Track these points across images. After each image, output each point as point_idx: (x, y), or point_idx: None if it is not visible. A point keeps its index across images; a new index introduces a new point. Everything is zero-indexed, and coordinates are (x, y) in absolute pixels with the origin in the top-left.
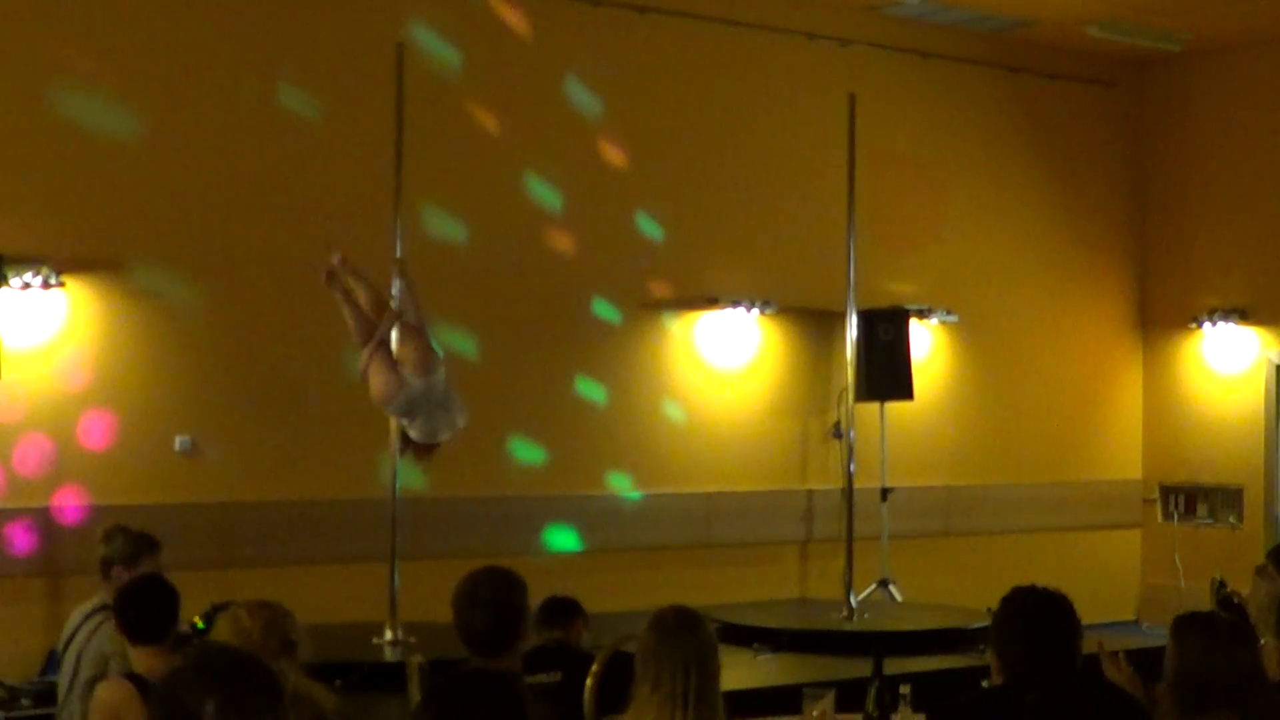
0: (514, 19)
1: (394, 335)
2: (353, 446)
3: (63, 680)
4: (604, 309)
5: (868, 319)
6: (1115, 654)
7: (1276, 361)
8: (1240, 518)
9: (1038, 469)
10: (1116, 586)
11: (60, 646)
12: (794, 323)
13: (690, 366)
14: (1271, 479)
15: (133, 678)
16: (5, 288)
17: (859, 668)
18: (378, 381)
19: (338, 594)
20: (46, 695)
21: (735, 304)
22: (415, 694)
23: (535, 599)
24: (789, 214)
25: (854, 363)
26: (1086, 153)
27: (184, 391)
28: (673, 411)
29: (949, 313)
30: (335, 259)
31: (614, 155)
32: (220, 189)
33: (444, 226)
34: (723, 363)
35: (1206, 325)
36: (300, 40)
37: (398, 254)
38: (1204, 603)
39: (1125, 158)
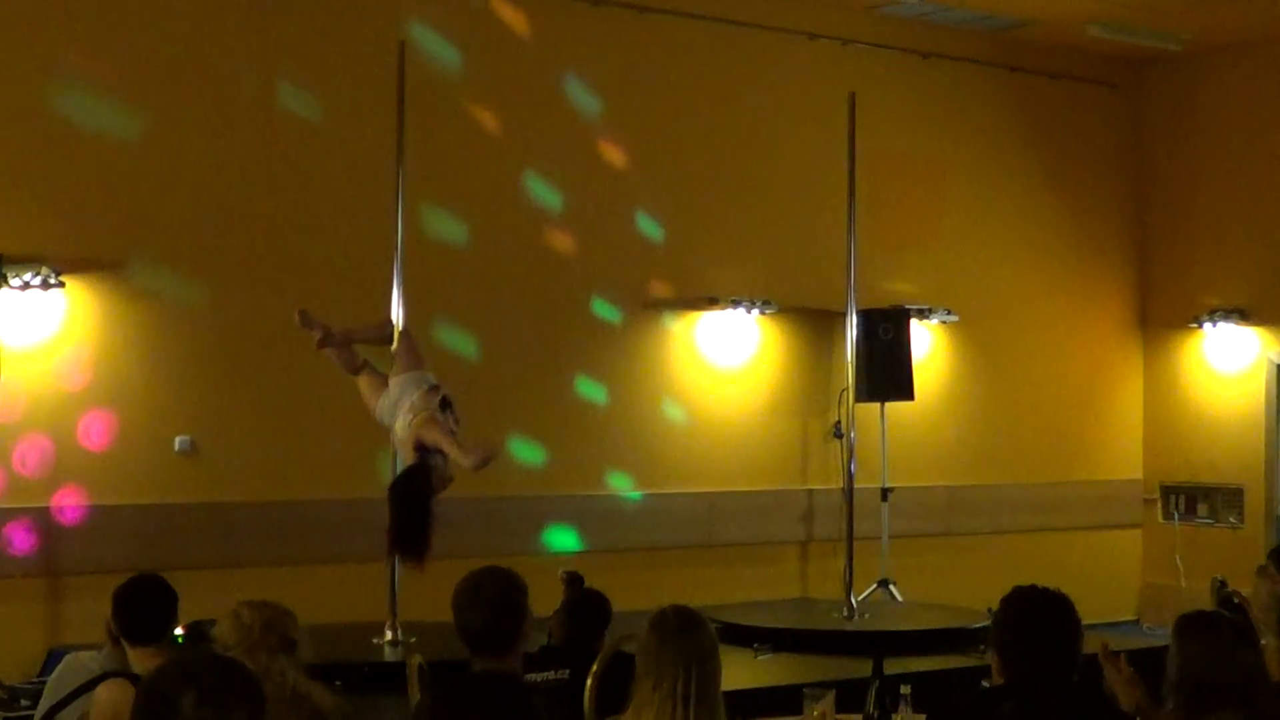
0: (514, 19)
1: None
2: (353, 446)
3: (44, 705)
4: (604, 309)
5: (868, 319)
6: (1116, 655)
7: (1276, 361)
8: (1241, 518)
9: (1038, 469)
10: (1116, 586)
11: (59, 681)
12: (794, 323)
13: (690, 366)
14: (1272, 479)
15: (132, 678)
16: (5, 288)
17: (859, 668)
18: (366, 390)
19: (338, 594)
20: None
21: (735, 304)
22: (415, 694)
23: (535, 599)
24: (789, 214)
25: (854, 363)
26: (1086, 153)
27: (184, 391)
28: (673, 411)
29: (949, 313)
30: (316, 331)
31: (614, 155)
32: (220, 189)
33: (444, 226)
34: (723, 363)
35: (1206, 325)
36: (300, 40)
37: (398, 253)
38: (1205, 603)
39: (1126, 158)
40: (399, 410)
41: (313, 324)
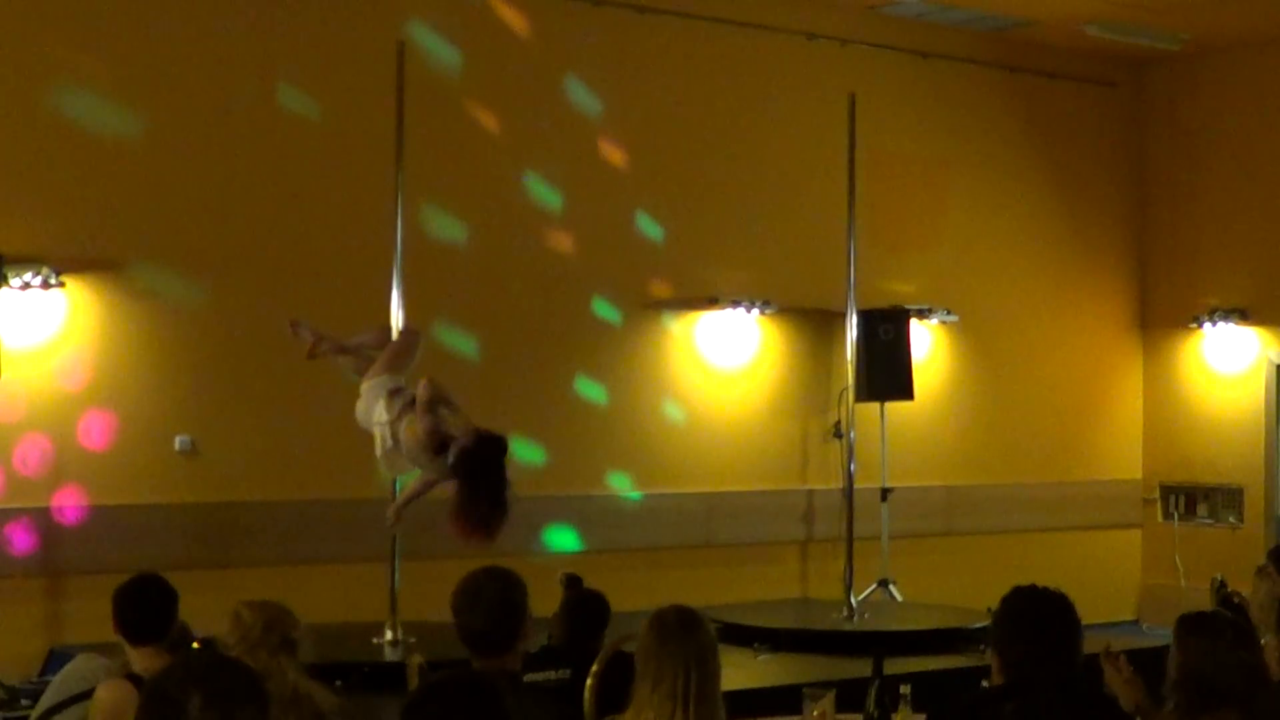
0: (514, 19)
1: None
2: (353, 447)
3: (41, 706)
4: (604, 309)
5: (868, 319)
6: (1116, 655)
7: (1276, 361)
8: (1240, 518)
9: (1038, 469)
10: (1116, 586)
11: (62, 683)
12: (794, 323)
13: (690, 366)
14: (1271, 479)
15: (132, 678)
16: (5, 288)
17: (859, 668)
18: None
19: (338, 594)
20: None
21: (735, 304)
22: None
23: (535, 599)
24: (789, 214)
25: (854, 363)
26: (1086, 153)
27: (184, 391)
28: (673, 411)
29: (949, 313)
30: (307, 338)
31: (614, 155)
32: (220, 189)
33: (444, 226)
34: (723, 363)
35: (1206, 325)
36: (300, 40)
37: (398, 253)
38: (1204, 603)
39: (1125, 158)
40: (373, 424)
41: (304, 333)
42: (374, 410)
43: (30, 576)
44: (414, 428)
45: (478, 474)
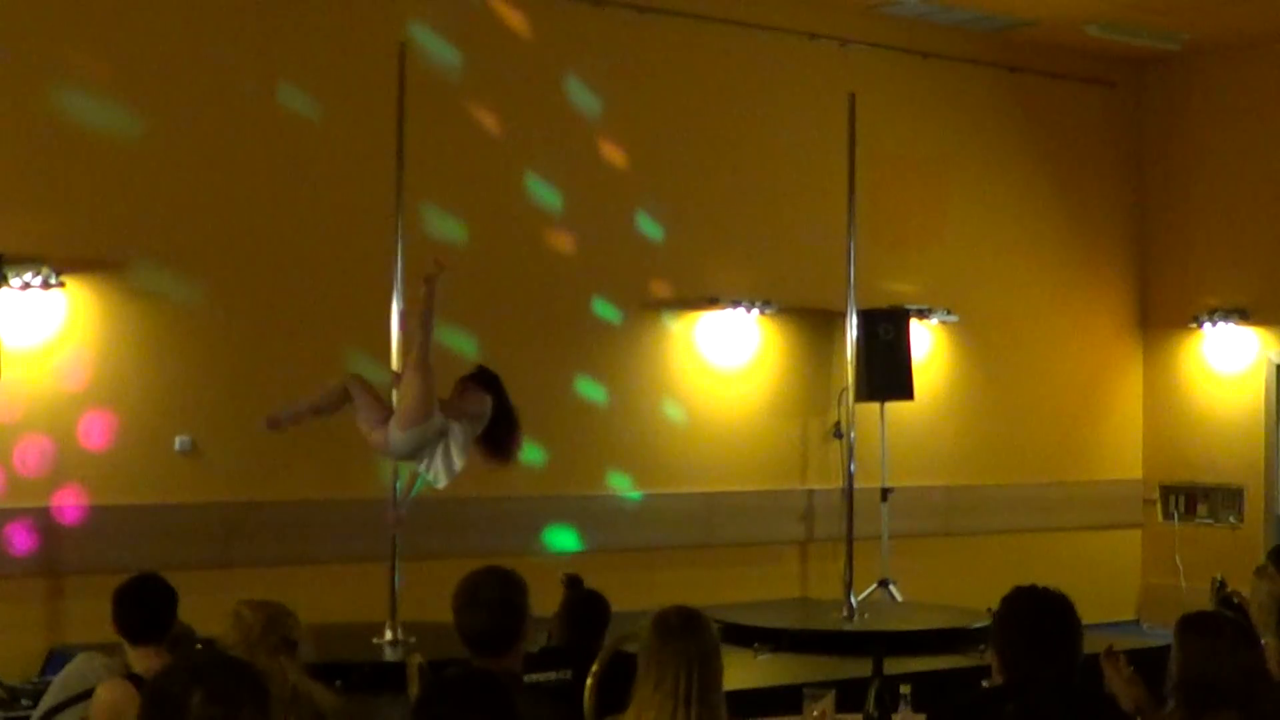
0: (514, 19)
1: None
2: (353, 446)
3: (43, 706)
4: (604, 309)
5: (868, 319)
6: (1116, 655)
7: (1276, 361)
8: (1240, 518)
9: (1038, 469)
10: (1116, 586)
11: (63, 683)
12: (794, 323)
13: (690, 366)
14: (1271, 479)
15: (132, 678)
16: (5, 288)
17: (859, 668)
18: (363, 409)
19: (338, 594)
20: None
21: (735, 304)
22: (415, 694)
23: (535, 599)
24: (789, 214)
25: (854, 363)
26: (1086, 153)
27: (184, 391)
28: (673, 411)
29: (949, 313)
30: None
31: (614, 155)
32: (220, 189)
33: (444, 226)
34: (723, 363)
35: (1206, 325)
36: (300, 40)
37: (398, 253)
38: (1205, 603)
39: (1125, 158)
40: (456, 468)
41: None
42: (440, 449)
43: (30, 576)
44: (471, 418)
45: (498, 386)
